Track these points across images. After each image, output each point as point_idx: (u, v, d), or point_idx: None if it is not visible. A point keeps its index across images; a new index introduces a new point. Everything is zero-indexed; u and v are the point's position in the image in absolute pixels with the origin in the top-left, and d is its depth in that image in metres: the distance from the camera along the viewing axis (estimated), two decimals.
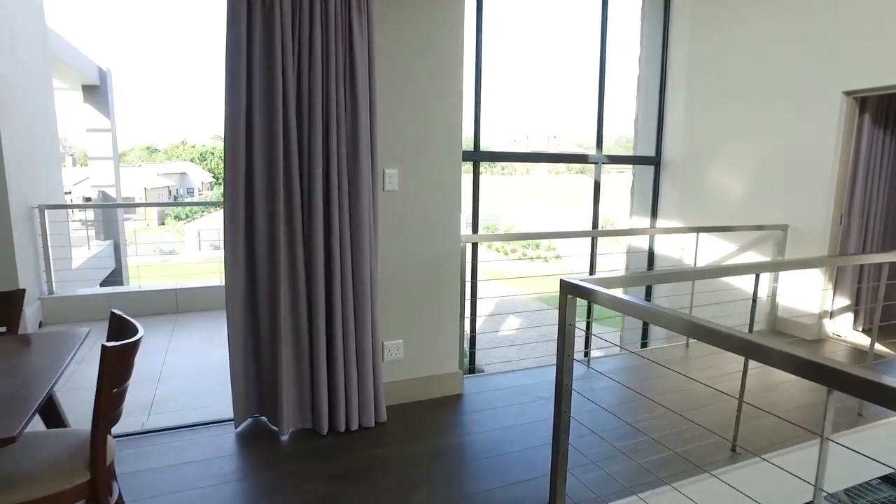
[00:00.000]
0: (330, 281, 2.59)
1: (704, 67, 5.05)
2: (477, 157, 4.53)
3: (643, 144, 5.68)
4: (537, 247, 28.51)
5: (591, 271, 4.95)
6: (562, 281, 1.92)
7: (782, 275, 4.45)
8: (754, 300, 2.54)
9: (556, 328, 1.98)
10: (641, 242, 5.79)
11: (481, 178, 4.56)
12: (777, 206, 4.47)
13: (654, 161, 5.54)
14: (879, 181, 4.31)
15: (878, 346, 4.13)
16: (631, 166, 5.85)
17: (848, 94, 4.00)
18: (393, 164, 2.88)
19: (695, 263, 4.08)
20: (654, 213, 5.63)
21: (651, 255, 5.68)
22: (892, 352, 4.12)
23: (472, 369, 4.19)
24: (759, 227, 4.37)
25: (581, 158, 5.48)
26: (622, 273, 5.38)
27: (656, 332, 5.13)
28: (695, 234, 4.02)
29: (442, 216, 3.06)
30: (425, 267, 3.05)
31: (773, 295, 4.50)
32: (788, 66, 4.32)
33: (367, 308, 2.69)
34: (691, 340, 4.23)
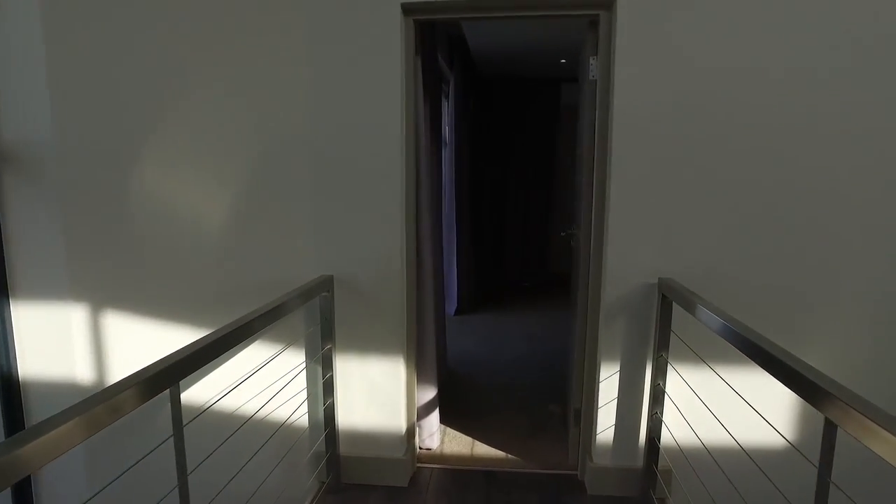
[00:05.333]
0: None
1: None
2: None
3: None
4: None
5: None
6: None
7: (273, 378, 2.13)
8: None
9: None
10: None
11: None
12: (303, 236, 2.13)
13: None
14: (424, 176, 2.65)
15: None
16: None
17: (407, 12, 2.14)
18: None
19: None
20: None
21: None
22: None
23: None
24: (306, 296, 1.90)
25: None
26: None
27: None
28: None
29: None
30: None
31: (330, 419, 2.11)
32: None
33: None
34: None
